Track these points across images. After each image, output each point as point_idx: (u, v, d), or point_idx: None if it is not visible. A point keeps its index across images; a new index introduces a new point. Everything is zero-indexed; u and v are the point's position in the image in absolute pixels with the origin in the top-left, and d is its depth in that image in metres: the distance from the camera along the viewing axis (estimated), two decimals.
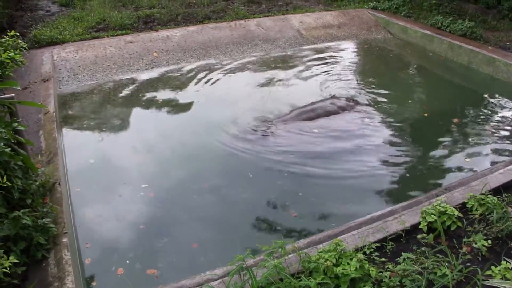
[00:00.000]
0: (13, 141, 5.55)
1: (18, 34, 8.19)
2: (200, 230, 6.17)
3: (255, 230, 6.15)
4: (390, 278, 4.46)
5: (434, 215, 5.22)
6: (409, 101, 10.26)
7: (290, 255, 4.44)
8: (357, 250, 4.80)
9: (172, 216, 6.42)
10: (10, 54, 3.89)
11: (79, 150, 7.88)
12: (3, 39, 5.41)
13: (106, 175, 7.30)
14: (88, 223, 6.23)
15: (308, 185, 7.05)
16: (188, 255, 5.70)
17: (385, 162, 7.69)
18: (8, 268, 3.58)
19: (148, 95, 10.19)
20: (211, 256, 5.63)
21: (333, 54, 13.19)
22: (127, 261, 5.62)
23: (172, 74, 11.35)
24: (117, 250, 5.82)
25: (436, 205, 5.35)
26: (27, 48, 5.95)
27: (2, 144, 5.03)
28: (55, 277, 4.75)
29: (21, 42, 5.43)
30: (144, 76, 11.21)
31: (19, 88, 5.73)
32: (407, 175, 7.39)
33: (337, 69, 11.96)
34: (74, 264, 5.03)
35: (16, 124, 5.25)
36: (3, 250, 4.33)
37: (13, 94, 6.08)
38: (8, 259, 4.42)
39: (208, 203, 6.66)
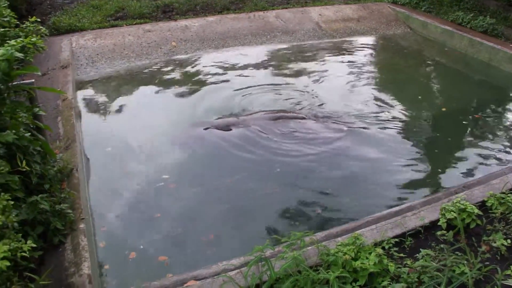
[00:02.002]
0: (32, 126, 5.56)
1: (38, 20, 8.22)
2: (218, 222, 6.15)
3: (272, 224, 6.12)
4: (408, 274, 4.42)
5: (454, 212, 5.15)
6: (428, 96, 10.15)
7: (307, 248, 4.41)
8: (375, 245, 4.75)
9: (190, 208, 6.40)
10: (32, 39, 3.89)
11: (96, 137, 7.88)
12: (24, 25, 5.41)
13: (124, 163, 7.30)
14: (104, 210, 6.25)
15: (331, 179, 7.02)
16: (203, 245, 5.71)
17: (403, 158, 7.61)
18: (27, 252, 3.57)
19: (167, 84, 10.17)
20: (227, 248, 5.62)
21: (352, 48, 13.09)
22: (141, 246, 5.65)
23: (190, 64, 11.32)
24: (131, 236, 5.85)
25: (455, 202, 5.28)
26: (47, 34, 5.95)
27: (22, 129, 5.03)
28: (72, 263, 4.76)
29: (42, 28, 5.45)
30: (162, 65, 11.19)
31: (40, 73, 5.73)
32: (425, 171, 7.32)
33: (355, 63, 11.87)
34: (90, 250, 5.03)
35: (37, 109, 5.25)
36: (20, 234, 4.33)
37: (33, 80, 6.08)
38: (25, 243, 4.42)
39: (229, 197, 6.63)
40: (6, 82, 3.89)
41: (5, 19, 4.11)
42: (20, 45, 3.93)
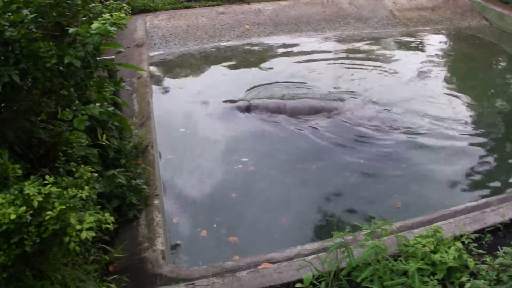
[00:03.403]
0: (110, 102, 5.66)
1: None
2: (294, 207, 6.11)
3: (350, 212, 6.04)
4: (487, 271, 4.27)
5: None
6: (502, 92, 9.72)
7: (384, 238, 4.32)
8: (455, 239, 4.61)
9: (268, 191, 6.39)
10: (121, 15, 3.95)
11: (169, 116, 7.99)
12: (108, 2, 5.49)
13: (199, 143, 7.39)
14: (178, 187, 6.35)
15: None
16: (275, 229, 5.69)
17: (474, 154, 7.34)
18: (111, 224, 3.64)
19: (241, 66, 10.21)
20: (298, 233, 5.59)
21: (425, 38, 12.71)
22: (214, 225, 5.70)
23: (263, 47, 11.32)
24: (204, 214, 5.91)
25: None
26: (130, 11, 6.04)
27: (106, 103, 5.14)
28: (145, 238, 4.83)
29: (125, 6, 5.51)
30: (235, 47, 11.23)
31: (123, 49, 5.83)
32: (498, 167, 7.05)
33: (427, 54, 11.52)
34: (164, 226, 5.10)
35: (124, 83, 5.35)
36: (99, 207, 4.43)
37: (113, 56, 6.20)
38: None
39: (310, 183, 6.58)
40: (95, 56, 3.96)
41: None
42: (111, 20, 3.97)
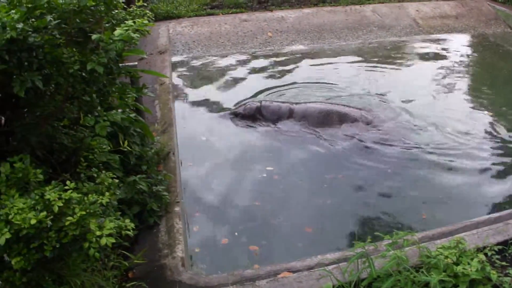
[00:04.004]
0: (132, 108, 5.68)
1: (145, 4, 8.45)
2: (318, 216, 6.07)
3: (372, 222, 5.97)
4: (510, 284, 4.18)
5: None
6: None
7: (406, 248, 4.26)
8: (478, 250, 4.52)
9: (293, 199, 6.36)
10: (144, 22, 3.96)
11: (191, 123, 8.01)
12: (131, 9, 5.53)
13: (223, 151, 7.42)
14: (199, 194, 6.34)
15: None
16: (298, 238, 5.65)
17: (497, 168, 7.20)
18: (131, 231, 3.64)
19: (265, 74, 10.19)
20: (320, 243, 5.53)
21: (449, 47, 12.55)
22: (236, 233, 5.68)
23: (286, 54, 11.32)
24: (227, 221, 5.90)
25: None
26: (153, 18, 6.07)
27: (127, 109, 5.15)
28: (165, 244, 4.82)
29: (148, 12, 5.54)
30: (259, 55, 11.24)
31: (146, 56, 5.85)
32: None
33: (451, 63, 11.38)
34: (184, 234, 5.09)
35: (146, 90, 5.36)
36: (119, 213, 4.43)
37: (136, 63, 6.23)
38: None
39: (337, 193, 6.52)
40: (117, 62, 3.97)
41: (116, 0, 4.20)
42: (134, 27, 3.98)
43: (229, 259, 5.29)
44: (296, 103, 8.54)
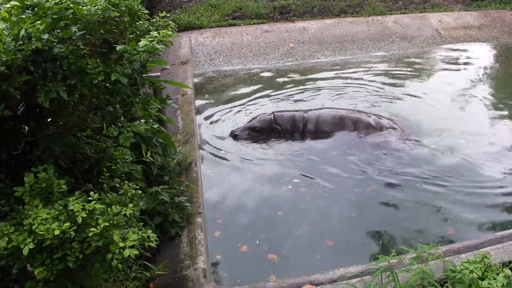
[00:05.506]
0: (155, 118, 5.68)
1: (168, 15, 8.47)
2: (341, 229, 6.03)
3: (396, 235, 5.89)
4: None
5: None
6: None
7: (430, 262, 4.18)
8: (503, 265, 4.42)
9: (317, 212, 6.32)
10: (168, 32, 3.96)
11: (213, 134, 8.02)
12: (154, 19, 5.54)
13: (245, 161, 7.43)
14: (220, 204, 6.37)
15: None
16: (317, 250, 5.60)
17: None
18: (154, 242, 3.64)
19: (287, 86, 10.19)
20: (341, 256, 5.48)
21: (472, 57, 12.42)
22: (257, 241, 5.68)
23: (307, 65, 11.30)
24: (247, 229, 5.93)
25: None
26: (176, 29, 6.07)
27: (151, 120, 5.16)
28: (187, 255, 4.80)
29: (171, 23, 5.54)
30: (280, 66, 11.25)
31: (169, 67, 5.87)
32: None
33: (474, 74, 11.26)
34: (206, 245, 5.06)
35: (170, 101, 5.37)
36: (141, 224, 4.43)
37: (159, 73, 6.24)
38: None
39: (365, 207, 6.47)
40: (141, 73, 3.98)
41: (140, 11, 4.23)
42: (159, 38, 3.99)
43: (246, 266, 5.35)
44: (308, 110, 8.49)
